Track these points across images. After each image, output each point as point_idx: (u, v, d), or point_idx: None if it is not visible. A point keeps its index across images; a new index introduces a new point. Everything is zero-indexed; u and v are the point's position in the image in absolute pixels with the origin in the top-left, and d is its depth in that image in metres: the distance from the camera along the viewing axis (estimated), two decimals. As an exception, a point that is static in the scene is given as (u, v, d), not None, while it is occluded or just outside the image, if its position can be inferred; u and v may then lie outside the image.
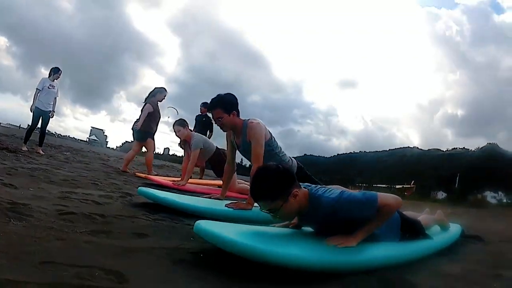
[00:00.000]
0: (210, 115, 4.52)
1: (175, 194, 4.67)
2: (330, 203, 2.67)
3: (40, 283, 1.65)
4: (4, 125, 67.90)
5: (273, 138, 4.65)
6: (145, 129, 9.19)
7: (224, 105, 4.47)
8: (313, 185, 2.94)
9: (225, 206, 4.17)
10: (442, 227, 4.20)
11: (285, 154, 4.81)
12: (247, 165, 4.49)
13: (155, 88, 9.72)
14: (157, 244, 2.60)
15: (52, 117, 10.52)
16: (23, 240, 2.22)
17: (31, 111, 10.22)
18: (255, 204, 4.16)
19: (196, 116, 11.19)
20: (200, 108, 11.08)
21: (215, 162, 7.47)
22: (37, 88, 10.29)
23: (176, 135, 7.64)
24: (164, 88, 9.75)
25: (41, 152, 10.16)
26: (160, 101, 9.62)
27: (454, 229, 4.41)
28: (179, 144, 8.11)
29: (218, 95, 4.56)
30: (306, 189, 2.82)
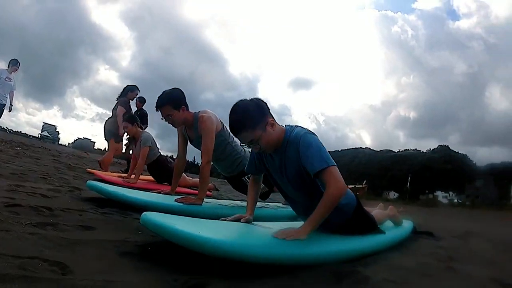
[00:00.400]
0: (159, 112, 4.44)
1: (125, 188, 4.66)
2: (298, 134, 2.79)
3: (-20, 273, 1.62)
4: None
5: (225, 128, 4.60)
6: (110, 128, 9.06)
7: (172, 101, 4.42)
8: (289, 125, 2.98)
9: (175, 200, 4.13)
10: (395, 222, 4.28)
11: (237, 144, 4.78)
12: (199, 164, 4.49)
13: (127, 85, 9.57)
14: (104, 236, 2.57)
15: (10, 111, 10.27)
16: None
17: None
18: (205, 200, 4.19)
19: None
20: (136, 102, 10.97)
21: (156, 168, 7.37)
22: None
23: (125, 131, 7.59)
24: (136, 86, 9.60)
25: None
26: (132, 100, 9.52)
27: (406, 224, 4.52)
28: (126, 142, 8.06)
29: (164, 91, 4.51)
30: (283, 127, 2.92)
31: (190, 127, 4.58)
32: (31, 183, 4.70)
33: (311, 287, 2.17)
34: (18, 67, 10.36)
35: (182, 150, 4.90)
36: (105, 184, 4.55)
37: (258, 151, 2.94)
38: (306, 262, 2.47)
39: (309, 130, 2.86)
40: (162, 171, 7.18)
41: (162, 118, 4.40)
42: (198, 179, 5.72)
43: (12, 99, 10.32)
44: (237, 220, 3.10)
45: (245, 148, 4.84)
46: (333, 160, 2.72)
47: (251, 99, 2.85)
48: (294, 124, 3.00)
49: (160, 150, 7.47)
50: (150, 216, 2.40)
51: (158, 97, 4.45)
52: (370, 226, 3.35)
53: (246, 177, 4.62)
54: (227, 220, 3.09)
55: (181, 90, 4.56)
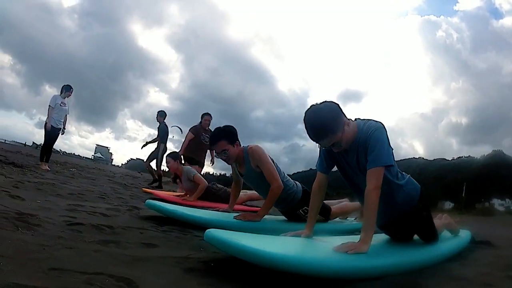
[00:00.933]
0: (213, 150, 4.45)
1: (183, 207, 4.65)
2: (372, 126, 2.85)
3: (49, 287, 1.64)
4: (9, 142, 68.26)
5: (275, 164, 4.56)
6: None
7: (227, 137, 4.39)
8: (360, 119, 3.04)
9: (234, 218, 4.15)
10: (452, 231, 4.19)
11: (289, 179, 4.70)
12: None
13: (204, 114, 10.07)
14: (167, 253, 2.59)
15: (62, 134, 10.57)
16: (31, 248, 2.21)
17: (46, 129, 10.24)
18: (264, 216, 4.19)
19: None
20: (157, 117, 11.43)
21: (205, 197, 7.29)
22: (49, 105, 10.30)
23: (167, 165, 7.64)
24: (209, 114, 10.07)
25: (47, 168, 10.14)
26: (206, 127, 9.92)
27: (463, 234, 4.42)
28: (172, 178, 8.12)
29: (217, 128, 4.54)
30: (355, 122, 2.95)
31: (242, 163, 4.55)
32: (90, 203, 4.80)
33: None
34: (71, 92, 10.69)
35: (237, 176, 4.85)
36: (164, 202, 4.60)
37: (338, 150, 2.95)
38: (368, 275, 2.49)
39: (381, 124, 2.91)
40: (209, 197, 7.13)
41: (215, 155, 4.41)
42: (251, 192, 5.70)
43: (66, 123, 10.65)
44: (298, 235, 3.10)
45: (297, 183, 4.80)
46: (388, 159, 2.81)
47: (324, 103, 2.84)
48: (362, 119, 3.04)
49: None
50: (214, 233, 2.41)
51: (212, 134, 4.51)
52: (432, 228, 3.36)
53: (301, 210, 4.59)
54: (288, 236, 3.10)
55: (233, 127, 4.55)
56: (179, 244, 3.04)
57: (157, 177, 11.46)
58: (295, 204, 4.60)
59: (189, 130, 9.93)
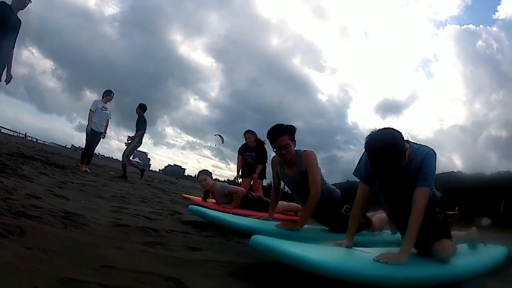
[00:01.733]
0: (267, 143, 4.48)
1: (225, 213, 4.66)
2: (427, 150, 3.02)
3: (102, 283, 1.69)
4: (48, 144, 69.58)
5: (320, 172, 4.60)
6: None
7: (291, 133, 4.43)
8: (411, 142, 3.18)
9: (275, 226, 4.18)
10: (470, 244, 4.20)
11: (328, 184, 4.78)
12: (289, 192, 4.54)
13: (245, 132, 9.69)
14: (211, 257, 2.63)
15: (103, 137, 10.82)
16: (81, 246, 2.28)
17: (86, 132, 10.50)
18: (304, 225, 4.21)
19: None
20: (136, 109, 11.44)
21: (241, 205, 7.31)
22: (90, 110, 10.58)
23: (203, 183, 7.51)
24: (250, 131, 9.63)
25: (88, 170, 10.35)
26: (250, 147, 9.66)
27: (500, 251, 4.37)
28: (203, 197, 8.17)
29: (279, 124, 4.50)
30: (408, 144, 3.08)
31: (293, 165, 4.55)
32: (132, 205, 4.90)
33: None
34: (112, 97, 10.91)
35: (278, 182, 4.89)
36: (205, 208, 4.64)
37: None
38: (404, 285, 2.57)
39: (434, 151, 3.08)
40: (246, 205, 7.16)
41: (273, 149, 4.39)
42: (289, 204, 5.71)
43: (107, 127, 10.92)
44: (338, 245, 3.14)
45: (335, 188, 4.85)
46: (432, 183, 3.01)
47: (390, 129, 2.94)
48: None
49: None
50: (259, 239, 2.46)
51: (276, 127, 4.44)
52: (446, 227, 3.36)
53: (343, 209, 4.59)
54: (329, 245, 3.14)
55: (294, 127, 4.57)
56: (222, 249, 3.07)
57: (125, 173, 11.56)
58: (336, 203, 4.64)
59: (238, 152, 9.82)
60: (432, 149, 3.07)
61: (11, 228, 2.20)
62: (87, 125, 10.43)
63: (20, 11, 6.06)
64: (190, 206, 4.46)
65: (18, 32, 6.09)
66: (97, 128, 10.55)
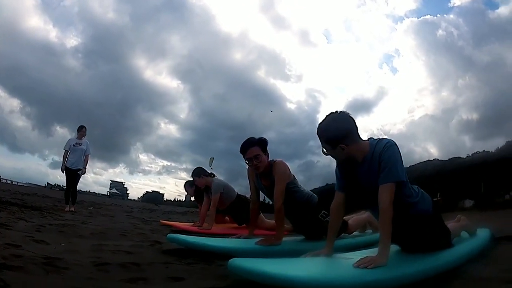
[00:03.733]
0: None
1: (205, 237, 4.77)
2: (384, 144, 3.04)
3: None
4: (23, 184, 68.91)
5: (295, 178, 4.83)
6: None
7: (261, 144, 4.63)
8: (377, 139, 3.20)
9: (256, 243, 4.28)
10: (469, 232, 4.31)
11: (304, 189, 4.98)
12: (271, 203, 4.69)
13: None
14: (194, 285, 2.74)
15: (83, 173, 10.92)
16: (64, 292, 2.34)
17: (62, 172, 10.63)
18: (283, 239, 4.32)
19: None
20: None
21: (236, 209, 7.53)
22: (64, 149, 10.75)
23: (196, 184, 7.88)
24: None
25: (73, 209, 10.41)
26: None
27: (483, 233, 4.51)
28: (195, 194, 8.28)
29: (250, 137, 4.70)
30: (368, 142, 3.14)
31: (266, 175, 4.73)
32: (112, 241, 4.93)
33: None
34: (84, 132, 11.03)
35: (255, 195, 5.07)
36: (185, 235, 4.72)
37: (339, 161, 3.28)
38: (389, 286, 2.62)
39: (393, 142, 3.09)
40: (241, 211, 7.31)
41: (246, 161, 4.56)
42: (272, 221, 5.84)
43: (86, 163, 11.01)
44: (317, 255, 3.25)
45: (312, 194, 5.06)
46: (400, 175, 2.99)
47: (341, 112, 3.10)
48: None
49: (235, 191, 7.70)
50: (237, 262, 2.57)
51: (246, 140, 4.65)
52: (445, 233, 3.46)
53: (320, 215, 4.75)
54: (308, 256, 3.23)
55: (266, 139, 4.73)
56: (204, 275, 3.15)
57: None
58: (313, 209, 4.81)
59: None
60: (391, 140, 3.09)
61: None
62: (62, 165, 10.57)
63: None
64: (169, 235, 4.55)
65: None
66: (73, 165, 10.67)
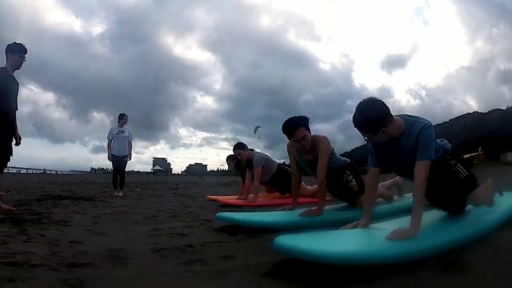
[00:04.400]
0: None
1: (251, 213, 5.03)
2: (422, 124, 3.27)
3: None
4: (67, 173, 70.22)
5: (333, 149, 5.12)
6: None
7: (306, 124, 4.86)
8: (408, 115, 3.42)
9: (299, 215, 4.55)
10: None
11: (340, 159, 5.33)
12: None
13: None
14: (244, 262, 2.99)
15: (129, 159, 11.45)
16: (133, 281, 2.63)
17: (109, 160, 11.12)
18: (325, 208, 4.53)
19: None
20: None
21: (278, 180, 7.88)
22: (107, 138, 11.21)
23: (238, 158, 8.16)
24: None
25: (120, 194, 10.91)
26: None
27: None
28: (238, 167, 8.54)
29: (293, 117, 4.90)
30: (402, 119, 3.36)
31: (309, 150, 4.98)
32: (165, 224, 5.25)
33: (422, 278, 2.48)
34: (126, 120, 11.46)
35: (297, 168, 5.33)
36: (232, 213, 4.94)
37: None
38: (420, 257, 2.80)
39: (429, 123, 3.31)
40: (283, 181, 7.68)
41: (293, 141, 4.85)
42: (315, 187, 6.08)
43: (131, 149, 11.48)
44: (355, 226, 3.49)
45: (346, 159, 5.42)
46: (431, 153, 3.21)
47: (374, 99, 3.27)
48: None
49: (276, 162, 8.04)
50: (280, 241, 2.81)
51: (291, 123, 4.85)
52: (471, 180, 3.66)
53: (344, 176, 5.13)
54: (346, 229, 3.47)
55: (306, 116, 4.95)
56: (253, 250, 3.43)
57: None
58: (338, 172, 5.16)
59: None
60: (428, 122, 3.30)
61: (71, 282, 2.50)
62: (108, 154, 11.02)
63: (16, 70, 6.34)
64: (218, 214, 4.78)
65: (17, 93, 6.40)
66: (119, 152, 11.14)
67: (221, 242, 3.85)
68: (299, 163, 5.24)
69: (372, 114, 3.17)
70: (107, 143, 11.20)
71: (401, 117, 3.36)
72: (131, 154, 11.49)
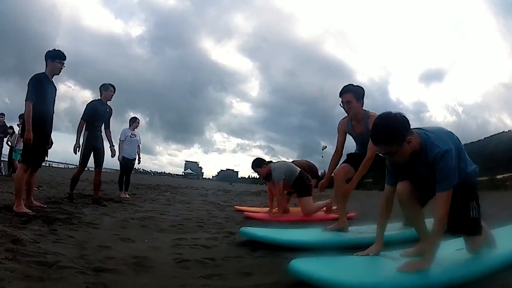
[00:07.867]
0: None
1: (274, 230, 5.21)
2: (437, 150, 3.14)
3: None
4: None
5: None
6: None
7: (356, 92, 5.18)
8: (423, 130, 3.33)
9: (323, 230, 4.88)
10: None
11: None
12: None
13: None
14: (260, 281, 3.15)
15: (139, 163, 12.13)
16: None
17: (119, 161, 11.54)
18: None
19: None
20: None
21: (299, 184, 8.03)
22: (120, 139, 11.62)
23: (258, 174, 8.35)
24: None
25: (127, 195, 11.25)
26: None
27: None
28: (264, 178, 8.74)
29: (350, 84, 5.28)
30: (418, 134, 3.25)
31: (360, 121, 5.32)
32: (190, 234, 5.41)
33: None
34: (138, 123, 12.10)
35: (341, 145, 5.64)
36: (255, 228, 5.10)
37: (390, 161, 3.52)
38: None
39: (447, 149, 3.16)
40: (302, 185, 7.95)
41: (340, 104, 5.22)
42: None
43: (140, 152, 12.13)
44: (367, 254, 3.58)
45: None
46: (451, 181, 3.12)
47: (397, 114, 3.18)
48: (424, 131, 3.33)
49: (297, 168, 8.24)
50: (295, 264, 3.02)
51: (345, 86, 5.27)
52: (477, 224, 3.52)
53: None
54: (360, 255, 3.58)
55: (363, 89, 5.31)
56: (270, 269, 3.56)
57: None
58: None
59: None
60: (446, 149, 3.12)
61: (96, 286, 2.71)
62: (119, 155, 11.21)
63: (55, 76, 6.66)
64: (241, 229, 4.94)
65: (55, 98, 6.72)
66: (129, 155, 11.67)
67: (241, 258, 4.01)
68: (350, 134, 5.56)
69: (395, 123, 3.11)
70: (119, 143, 11.52)
71: (417, 132, 3.29)
72: (140, 158, 12.09)
